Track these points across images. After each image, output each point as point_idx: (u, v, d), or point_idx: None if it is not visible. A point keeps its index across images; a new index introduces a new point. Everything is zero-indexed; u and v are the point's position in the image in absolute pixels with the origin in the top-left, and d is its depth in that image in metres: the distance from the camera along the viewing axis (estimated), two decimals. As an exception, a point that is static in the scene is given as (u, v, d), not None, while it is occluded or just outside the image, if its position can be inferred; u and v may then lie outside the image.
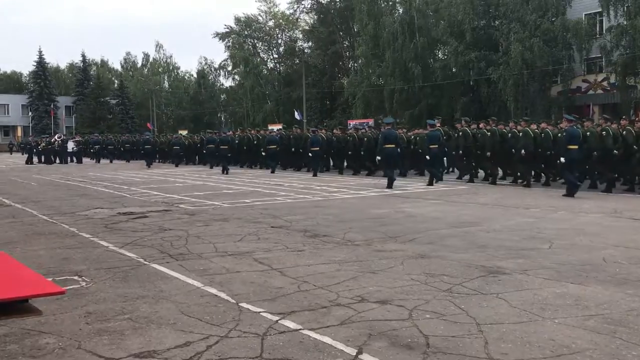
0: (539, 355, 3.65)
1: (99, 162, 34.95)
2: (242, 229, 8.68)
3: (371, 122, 36.01)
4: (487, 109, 36.56)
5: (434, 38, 41.51)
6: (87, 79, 77.55)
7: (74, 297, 5.04)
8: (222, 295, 5.08)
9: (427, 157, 16.02)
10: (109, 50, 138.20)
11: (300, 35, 64.13)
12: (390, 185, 14.78)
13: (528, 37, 33.62)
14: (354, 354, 3.71)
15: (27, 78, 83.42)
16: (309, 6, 59.22)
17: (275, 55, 66.20)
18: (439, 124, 17.34)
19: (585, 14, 35.40)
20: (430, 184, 15.55)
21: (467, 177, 17.07)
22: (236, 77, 69.31)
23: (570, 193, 12.52)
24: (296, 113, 46.16)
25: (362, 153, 19.84)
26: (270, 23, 64.91)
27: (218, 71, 76.10)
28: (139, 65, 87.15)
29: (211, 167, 25.50)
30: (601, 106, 33.77)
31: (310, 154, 20.31)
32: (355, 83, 45.75)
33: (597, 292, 5.05)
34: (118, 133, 52.22)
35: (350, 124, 37.63)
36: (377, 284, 5.39)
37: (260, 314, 4.53)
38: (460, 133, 16.93)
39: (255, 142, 25.20)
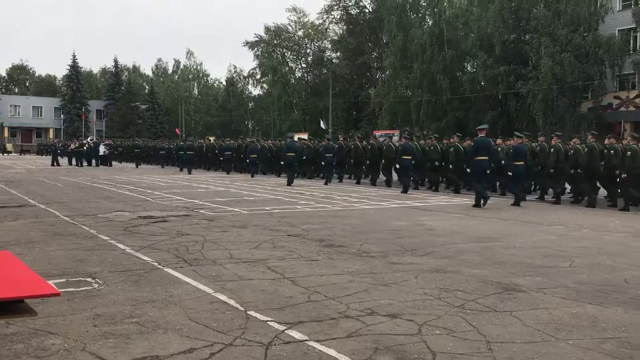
0: (549, 377, 3.53)
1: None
2: (259, 236, 8.66)
3: (397, 133, 35.84)
4: (516, 123, 36.12)
5: (463, 51, 41.27)
6: (118, 83, 79.06)
7: (84, 299, 5.06)
8: (232, 302, 5.05)
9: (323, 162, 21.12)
10: (140, 56, 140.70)
11: (329, 45, 64.37)
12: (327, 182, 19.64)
13: (559, 51, 33.14)
14: (358, 367, 3.63)
15: (61, 81, 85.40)
16: (338, 17, 59.50)
17: (304, 65, 66.54)
18: (341, 138, 23.69)
19: (619, 30, 34.80)
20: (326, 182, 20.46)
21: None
22: (264, 85, 69.97)
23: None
24: (322, 122, 46.23)
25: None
26: (300, 33, 65.36)
27: (247, 79, 77.08)
28: (170, 71, 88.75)
29: (181, 170, 28.96)
30: (632, 124, 33.08)
31: (248, 160, 25.44)
32: (382, 94, 45.71)
33: (616, 314, 4.89)
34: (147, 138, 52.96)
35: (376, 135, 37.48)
36: (388, 297, 5.31)
37: (267, 323, 4.49)
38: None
39: (216, 149, 29.96)
